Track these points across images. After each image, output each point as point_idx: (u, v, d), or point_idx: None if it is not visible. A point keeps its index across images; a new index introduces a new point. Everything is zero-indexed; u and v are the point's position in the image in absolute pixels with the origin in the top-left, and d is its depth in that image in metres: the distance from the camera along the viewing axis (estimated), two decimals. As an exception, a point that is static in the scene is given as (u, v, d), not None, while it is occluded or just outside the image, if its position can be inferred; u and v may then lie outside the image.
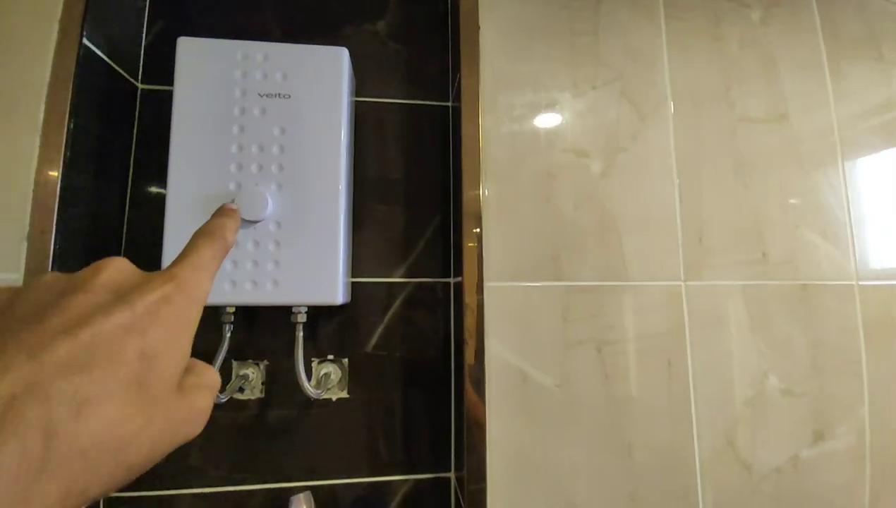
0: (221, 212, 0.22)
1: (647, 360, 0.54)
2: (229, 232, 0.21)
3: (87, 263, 0.16)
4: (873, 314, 0.60)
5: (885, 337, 0.60)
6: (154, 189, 0.58)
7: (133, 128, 0.59)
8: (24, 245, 0.45)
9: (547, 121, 0.57)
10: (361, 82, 0.63)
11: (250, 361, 0.57)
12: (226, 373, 0.56)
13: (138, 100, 0.59)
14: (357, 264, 0.59)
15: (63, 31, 0.48)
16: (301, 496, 0.53)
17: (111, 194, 0.55)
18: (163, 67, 0.58)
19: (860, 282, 0.61)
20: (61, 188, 0.46)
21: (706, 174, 0.59)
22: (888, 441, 0.59)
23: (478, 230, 0.53)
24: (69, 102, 0.47)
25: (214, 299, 0.50)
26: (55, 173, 0.46)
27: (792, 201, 0.60)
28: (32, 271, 0.44)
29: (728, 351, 0.56)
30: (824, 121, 0.64)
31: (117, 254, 0.56)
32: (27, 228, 0.45)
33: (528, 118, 0.57)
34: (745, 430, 0.55)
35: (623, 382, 0.53)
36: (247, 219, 0.50)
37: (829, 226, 0.61)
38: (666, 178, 0.58)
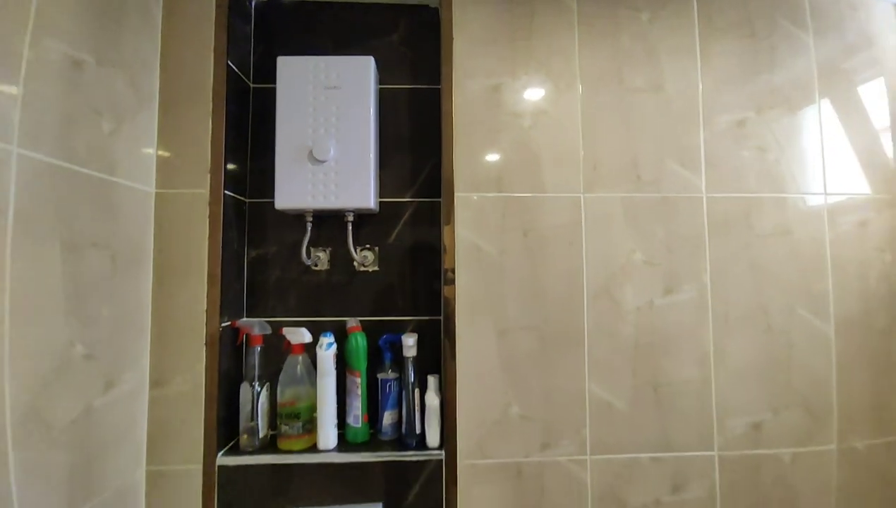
0: None
1: (556, 241, 0.89)
2: None
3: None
4: (716, 216, 0.92)
5: (722, 230, 0.92)
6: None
7: (249, 110, 0.98)
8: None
9: (495, 96, 0.91)
10: (383, 75, 0.99)
11: (321, 247, 0.97)
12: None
13: (251, 94, 0.99)
14: (383, 189, 0.97)
15: (216, 55, 0.87)
16: (352, 320, 0.92)
17: (240, 146, 0.95)
18: (265, 73, 0.97)
19: (707, 195, 0.92)
20: (224, 147, 0.86)
21: (601, 127, 0.92)
22: (724, 298, 0.92)
23: (451, 164, 0.89)
24: (223, 98, 0.87)
25: (300, 205, 0.89)
26: (221, 138, 0.86)
27: (661, 143, 0.92)
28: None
29: (609, 237, 0.90)
30: (692, 88, 0.94)
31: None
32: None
33: (484, 95, 0.91)
34: (617, 283, 0.89)
35: (539, 253, 0.89)
36: (318, 159, 0.88)
37: (686, 158, 0.93)
38: (574, 130, 0.92)
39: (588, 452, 0.88)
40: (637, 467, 0.89)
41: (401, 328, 0.96)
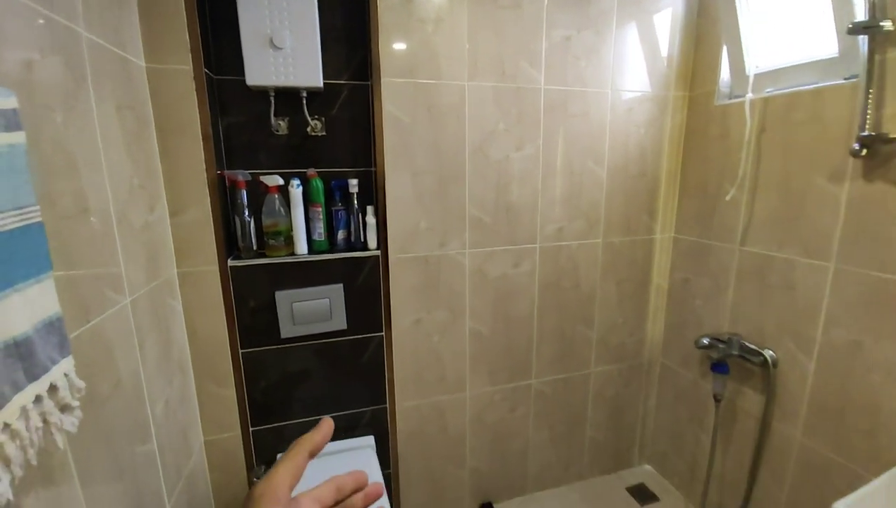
0: (321, 427, 0.36)
1: (449, 114, 1.35)
2: (318, 445, 0.35)
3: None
4: (548, 102, 1.45)
5: (551, 111, 1.46)
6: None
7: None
8: (190, 53, 1.11)
9: (408, 6, 1.26)
10: None
11: (280, 117, 1.31)
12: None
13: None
14: (325, 71, 1.30)
15: None
16: (311, 170, 1.33)
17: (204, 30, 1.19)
18: (217, -36, 1.17)
19: (544, 87, 1.43)
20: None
21: (480, 34, 1.34)
22: (549, 154, 1.49)
23: (378, 56, 1.26)
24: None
25: (267, 83, 1.20)
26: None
27: (517, 48, 1.38)
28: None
29: (483, 112, 1.39)
30: (540, 10, 1.38)
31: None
32: (190, 46, 1.11)
33: (400, 4, 1.25)
34: (487, 143, 1.41)
35: (438, 122, 1.35)
36: (278, 46, 1.18)
37: (533, 60, 1.40)
38: (461, 36, 1.32)
39: (467, 247, 1.48)
40: (495, 254, 1.52)
41: (345, 176, 1.39)
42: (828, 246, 1.20)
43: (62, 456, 0.67)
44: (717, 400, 1.53)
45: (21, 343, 0.48)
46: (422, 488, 1.64)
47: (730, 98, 1.48)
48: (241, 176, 1.27)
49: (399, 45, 1.29)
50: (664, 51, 1.56)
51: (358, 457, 1.39)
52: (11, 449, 0.47)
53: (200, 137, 1.17)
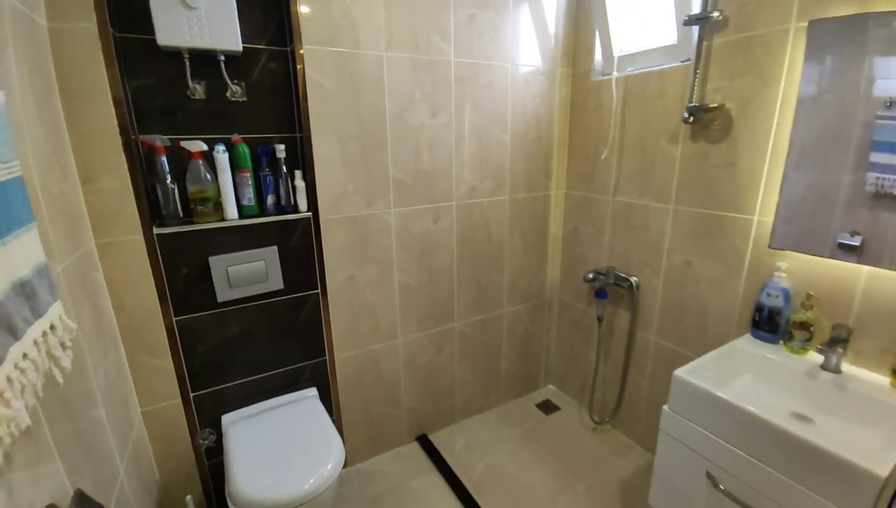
0: None
1: (370, 83, 1.45)
2: None
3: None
4: (458, 73, 1.62)
5: (461, 82, 1.63)
6: None
7: None
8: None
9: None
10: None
11: (196, 81, 1.29)
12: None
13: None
14: (243, 38, 1.30)
15: None
16: (236, 135, 1.34)
17: None
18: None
19: (454, 59, 1.59)
20: None
21: (395, 9, 1.44)
22: (460, 121, 1.68)
23: (298, 24, 1.30)
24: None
25: (180, 43, 1.18)
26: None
27: (429, 23, 1.51)
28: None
29: (400, 82, 1.51)
30: (447, -14, 1.52)
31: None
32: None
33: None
34: (405, 111, 1.54)
35: (360, 89, 1.44)
36: (190, 6, 1.16)
37: (444, 35, 1.55)
38: (379, 9, 1.41)
39: (392, 207, 1.62)
40: (418, 212, 1.68)
41: (270, 141, 1.42)
42: (669, 192, 1.58)
43: (36, 415, 0.70)
44: (599, 321, 1.92)
45: (26, 284, 0.53)
46: (364, 430, 1.81)
47: (602, 75, 1.79)
48: (160, 141, 1.25)
49: (318, 12, 1.34)
50: (551, 32, 1.81)
51: (304, 407, 1.50)
52: (32, 375, 0.53)
53: (111, 101, 1.13)
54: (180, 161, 1.29)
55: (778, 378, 1.22)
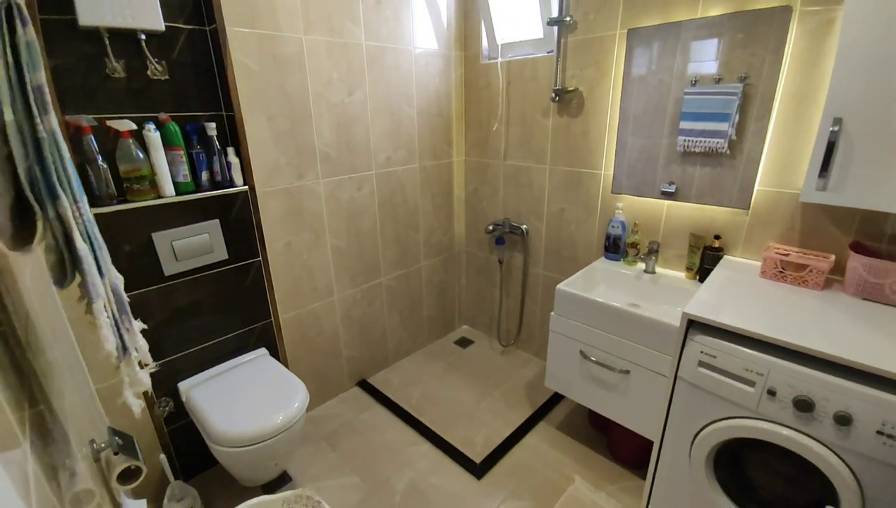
0: None
1: (292, 63, 1.59)
2: None
3: None
4: (370, 55, 1.82)
5: (372, 63, 1.84)
6: None
7: None
8: None
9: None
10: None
11: (116, 60, 1.30)
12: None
13: None
14: (165, 17, 1.33)
15: None
16: (163, 114, 1.38)
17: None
18: None
19: (365, 43, 1.79)
20: None
21: (316, 27, 1.58)
22: (374, 99, 1.89)
23: (220, 8, 1.37)
24: None
25: (103, 23, 1.19)
26: None
27: (342, 9, 1.68)
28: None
29: (320, 63, 1.67)
30: (354, -26, 1.69)
31: None
32: None
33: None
34: (326, 89, 1.71)
35: (285, 70, 1.57)
36: (111, -14, 1.18)
37: (354, 19, 1.73)
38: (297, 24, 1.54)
39: (320, 178, 1.80)
40: (343, 182, 1.88)
41: (198, 120, 1.48)
42: (545, 156, 2.03)
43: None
44: (500, 264, 2.37)
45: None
46: (310, 381, 2.01)
47: (489, 59, 2.15)
48: (85, 121, 1.25)
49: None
50: (445, 19, 2.09)
51: (258, 364, 1.66)
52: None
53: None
54: (108, 141, 1.31)
55: (620, 282, 1.77)
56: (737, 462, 1.23)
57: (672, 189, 1.64)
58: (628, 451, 1.70)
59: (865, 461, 0.96)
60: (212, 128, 1.47)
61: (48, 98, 0.69)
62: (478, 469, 1.71)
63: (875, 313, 1.16)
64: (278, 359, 1.85)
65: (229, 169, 1.55)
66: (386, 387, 2.22)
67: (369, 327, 2.22)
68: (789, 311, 1.18)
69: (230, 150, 1.53)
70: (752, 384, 1.08)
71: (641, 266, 1.77)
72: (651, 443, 1.44)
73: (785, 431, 1.05)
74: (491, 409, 2.05)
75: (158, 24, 1.29)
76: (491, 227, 2.30)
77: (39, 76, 0.67)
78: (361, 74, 1.82)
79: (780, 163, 1.40)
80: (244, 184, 1.58)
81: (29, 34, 0.65)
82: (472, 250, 2.57)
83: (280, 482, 1.66)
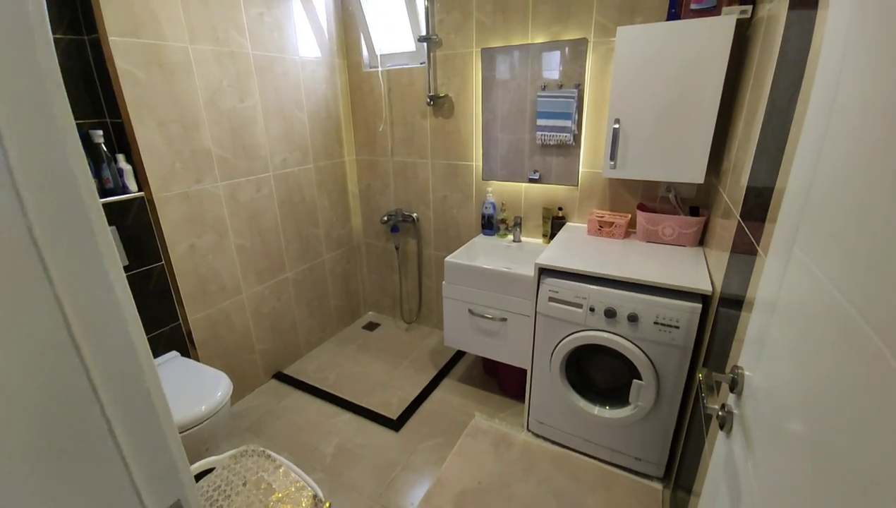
0: None
1: (180, 71, 1.65)
2: None
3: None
4: (257, 64, 1.94)
5: (261, 71, 1.97)
6: None
7: None
8: None
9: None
10: None
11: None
12: None
13: None
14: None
15: None
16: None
17: None
18: None
19: (252, 52, 1.91)
20: None
21: (193, 5, 1.66)
22: (265, 104, 2.02)
23: (102, 19, 1.40)
24: None
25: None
26: None
27: (226, 19, 1.78)
28: None
29: (208, 71, 1.75)
30: (235, -12, 1.81)
31: None
32: None
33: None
34: (216, 96, 1.80)
35: (173, 78, 1.63)
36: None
37: (239, 29, 1.84)
38: (177, 6, 1.61)
39: (219, 181, 1.88)
40: (242, 184, 1.98)
41: (81, 127, 1.48)
42: (426, 152, 2.36)
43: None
44: (396, 250, 2.65)
45: None
46: (224, 379, 2.07)
47: (370, 68, 2.40)
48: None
49: (118, 2, 1.46)
50: (326, 29, 2.29)
51: (171, 366, 1.70)
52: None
53: None
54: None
55: (495, 252, 2.19)
56: (579, 367, 1.71)
57: (537, 176, 2.09)
58: (513, 385, 2.13)
59: (650, 344, 1.47)
60: (98, 136, 1.48)
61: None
62: (395, 424, 1.99)
63: (653, 250, 1.72)
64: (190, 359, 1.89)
65: (121, 175, 1.57)
66: (302, 375, 2.35)
67: (279, 320, 2.33)
68: (602, 255, 1.68)
69: (120, 157, 1.56)
70: (580, 306, 1.54)
71: (510, 237, 2.21)
72: (527, 372, 1.87)
73: (601, 334, 1.53)
74: (402, 376, 2.34)
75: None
76: (385, 218, 2.57)
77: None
78: (250, 82, 1.94)
79: (592, 151, 1.93)
80: (139, 190, 1.61)
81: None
82: (371, 240, 2.81)
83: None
